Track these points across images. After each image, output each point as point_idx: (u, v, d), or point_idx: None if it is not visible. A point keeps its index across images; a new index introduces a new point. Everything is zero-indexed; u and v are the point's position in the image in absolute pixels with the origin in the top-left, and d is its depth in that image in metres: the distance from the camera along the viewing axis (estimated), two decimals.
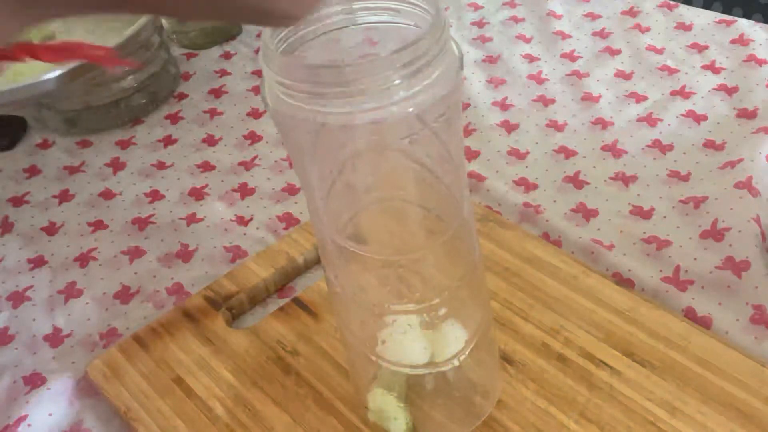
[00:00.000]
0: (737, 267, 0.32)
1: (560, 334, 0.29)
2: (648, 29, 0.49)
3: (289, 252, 0.35)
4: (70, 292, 0.36)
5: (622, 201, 0.37)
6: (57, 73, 0.38)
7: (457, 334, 0.24)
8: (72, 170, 0.45)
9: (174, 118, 0.48)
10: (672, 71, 0.45)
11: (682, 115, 0.41)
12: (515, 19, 0.52)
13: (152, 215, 0.41)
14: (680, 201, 0.36)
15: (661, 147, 0.40)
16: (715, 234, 0.34)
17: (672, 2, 0.51)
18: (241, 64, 0.52)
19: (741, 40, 0.46)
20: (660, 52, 0.46)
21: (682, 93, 0.43)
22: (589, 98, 0.44)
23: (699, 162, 0.38)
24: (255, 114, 0.47)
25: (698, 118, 0.41)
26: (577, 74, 0.46)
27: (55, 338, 0.34)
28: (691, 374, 0.27)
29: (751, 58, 0.44)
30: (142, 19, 0.44)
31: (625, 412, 0.27)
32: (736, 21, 0.48)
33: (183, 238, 0.39)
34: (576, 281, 0.31)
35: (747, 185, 0.35)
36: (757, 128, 0.39)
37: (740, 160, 0.37)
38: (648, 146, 0.40)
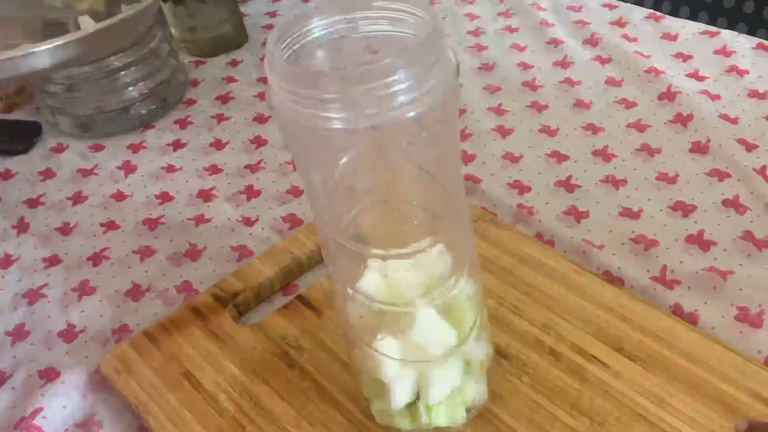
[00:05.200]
0: (722, 273, 0.32)
1: (553, 330, 0.30)
2: (635, 39, 0.49)
3: (294, 251, 0.36)
4: (84, 289, 0.37)
5: (611, 203, 0.37)
6: (50, 46, 0.34)
7: (454, 330, 0.25)
8: (85, 173, 0.46)
9: (183, 123, 0.49)
10: (659, 79, 0.45)
11: (670, 121, 0.42)
12: (509, 29, 0.53)
13: (162, 216, 0.41)
14: (669, 207, 0.36)
15: (649, 150, 0.41)
16: (701, 242, 0.34)
17: (659, 13, 0.51)
18: (248, 71, 0.53)
19: (724, 51, 0.47)
20: (647, 60, 0.47)
21: (669, 96, 0.44)
22: (580, 104, 0.45)
23: (686, 164, 0.39)
24: (260, 119, 0.48)
25: (684, 121, 0.42)
26: (569, 81, 0.47)
27: (68, 334, 0.35)
28: (679, 368, 0.28)
29: (733, 69, 0.45)
30: None
31: (615, 404, 0.27)
32: (719, 32, 0.49)
33: (191, 238, 0.39)
34: (568, 279, 0.32)
35: (734, 204, 0.36)
36: (738, 137, 0.40)
37: (727, 176, 0.37)
38: (637, 150, 0.41)
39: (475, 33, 0.54)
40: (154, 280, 0.37)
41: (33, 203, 0.44)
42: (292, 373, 0.30)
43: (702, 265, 0.33)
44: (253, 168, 0.44)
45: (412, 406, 0.26)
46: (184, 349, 0.32)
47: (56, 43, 0.35)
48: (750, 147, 0.39)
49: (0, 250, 0.41)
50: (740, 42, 0.47)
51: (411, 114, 0.19)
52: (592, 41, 0.50)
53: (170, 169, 0.45)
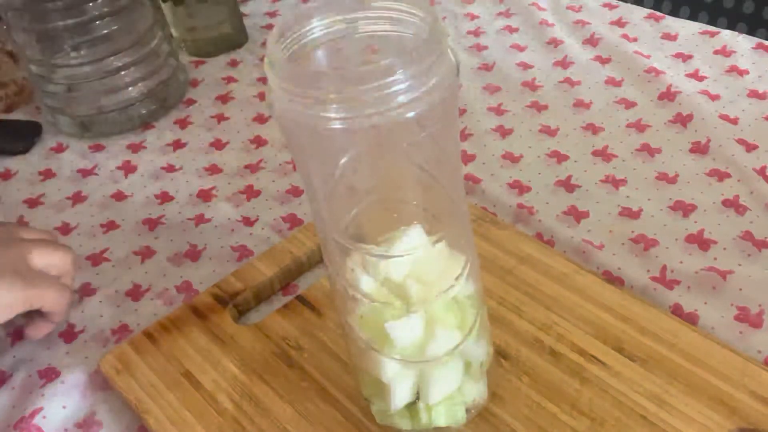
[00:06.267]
0: (722, 273, 0.33)
1: (553, 330, 0.30)
2: (635, 39, 0.50)
3: (293, 251, 0.36)
4: (84, 290, 0.37)
5: (611, 203, 0.37)
6: None
7: (454, 329, 0.25)
8: (85, 173, 0.46)
9: (183, 123, 0.49)
10: (659, 79, 0.45)
11: (670, 121, 0.42)
12: (510, 29, 0.53)
13: (162, 216, 0.41)
14: (669, 207, 0.36)
15: (649, 150, 0.41)
16: (701, 242, 0.34)
17: (659, 13, 0.52)
18: (248, 71, 0.53)
19: (724, 51, 0.47)
20: (647, 60, 0.47)
21: (669, 96, 0.44)
22: (580, 104, 0.45)
23: (686, 164, 0.39)
24: (260, 119, 0.48)
25: (684, 121, 0.42)
26: (569, 81, 0.47)
27: (68, 334, 0.35)
28: (679, 368, 0.28)
29: (733, 69, 0.45)
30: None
31: (615, 404, 0.27)
32: (719, 32, 0.49)
33: (192, 238, 0.39)
34: (568, 279, 0.32)
35: (734, 204, 0.36)
36: (738, 137, 0.40)
37: (727, 176, 0.37)
38: (637, 150, 0.41)
39: (475, 33, 0.54)
40: (154, 281, 0.37)
41: (33, 203, 0.44)
42: (291, 373, 0.30)
43: (702, 265, 0.33)
44: (253, 168, 0.44)
45: (412, 406, 0.26)
46: (183, 349, 0.32)
47: None
48: (750, 147, 0.40)
49: None
50: (740, 42, 0.48)
51: (411, 114, 0.19)
52: (592, 41, 0.50)
53: (170, 169, 0.45)
